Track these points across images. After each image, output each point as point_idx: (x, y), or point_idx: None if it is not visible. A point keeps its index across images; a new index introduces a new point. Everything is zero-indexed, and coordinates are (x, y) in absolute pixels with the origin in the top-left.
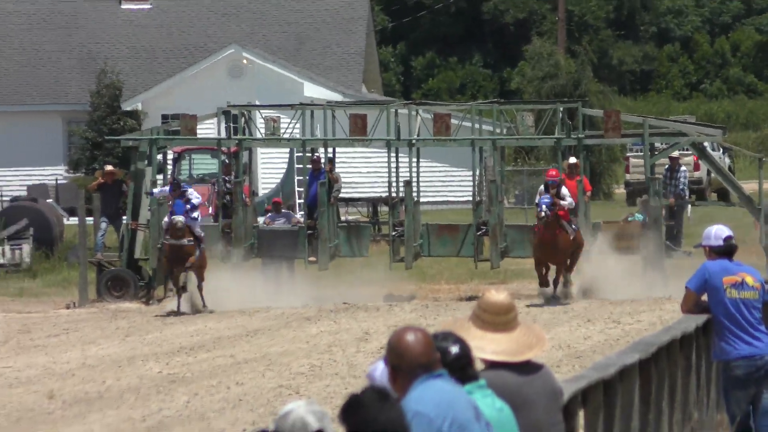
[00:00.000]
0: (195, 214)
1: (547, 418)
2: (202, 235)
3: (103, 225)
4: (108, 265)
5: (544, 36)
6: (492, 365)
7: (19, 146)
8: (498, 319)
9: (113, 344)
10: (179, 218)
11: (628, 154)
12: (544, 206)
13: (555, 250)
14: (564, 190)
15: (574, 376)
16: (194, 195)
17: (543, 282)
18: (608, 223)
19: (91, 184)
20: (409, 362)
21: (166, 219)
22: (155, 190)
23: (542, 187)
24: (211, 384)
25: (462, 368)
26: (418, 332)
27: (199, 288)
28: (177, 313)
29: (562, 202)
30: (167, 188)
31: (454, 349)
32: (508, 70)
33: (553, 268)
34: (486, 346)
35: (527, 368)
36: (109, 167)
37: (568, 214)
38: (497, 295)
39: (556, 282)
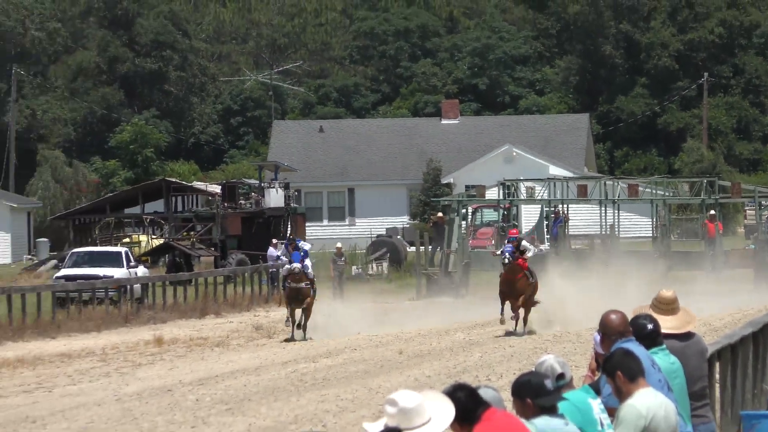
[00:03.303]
0: (307, 262)
1: (698, 367)
2: (314, 277)
3: (431, 250)
4: (434, 275)
5: (695, 137)
6: (665, 336)
7: (382, 204)
8: (667, 307)
9: (435, 320)
10: (296, 265)
11: (745, 208)
12: (507, 254)
13: (513, 288)
14: (524, 243)
15: (713, 341)
16: (305, 245)
17: (503, 310)
18: (734, 250)
19: (427, 224)
20: (611, 331)
21: (286, 266)
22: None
23: (506, 241)
24: (494, 346)
25: (653, 338)
26: (617, 312)
27: (305, 325)
28: (290, 340)
29: (526, 254)
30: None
31: (650, 326)
32: (672, 157)
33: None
34: (662, 324)
35: (686, 337)
36: (439, 214)
37: (526, 263)
38: (666, 292)
39: (516, 318)
